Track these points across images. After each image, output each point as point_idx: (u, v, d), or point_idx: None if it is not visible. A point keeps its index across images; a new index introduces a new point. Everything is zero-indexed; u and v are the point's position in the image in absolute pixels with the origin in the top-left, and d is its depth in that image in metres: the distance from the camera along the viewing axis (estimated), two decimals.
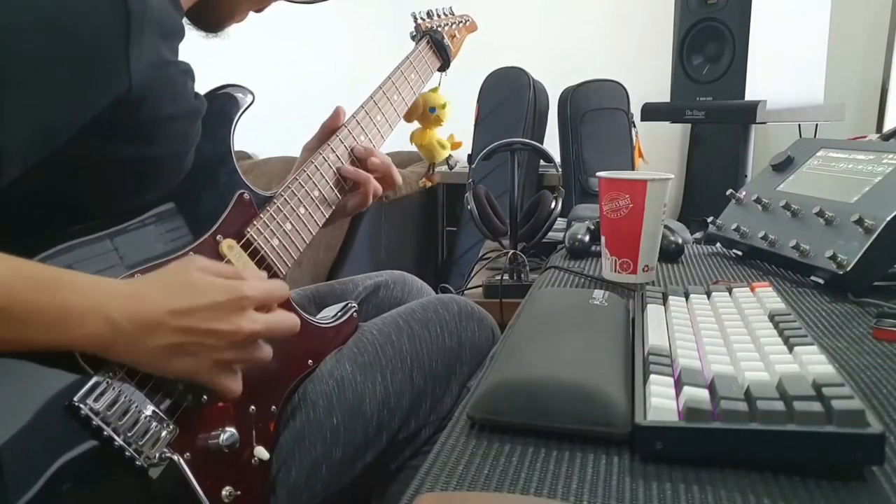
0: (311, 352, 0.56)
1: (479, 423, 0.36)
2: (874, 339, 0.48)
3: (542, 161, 1.69)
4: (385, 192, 0.66)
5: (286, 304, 0.52)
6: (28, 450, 0.37)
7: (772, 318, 0.44)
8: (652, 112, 1.38)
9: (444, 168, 0.81)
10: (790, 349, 0.38)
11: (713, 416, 0.31)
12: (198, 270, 0.43)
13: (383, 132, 0.68)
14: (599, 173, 0.65)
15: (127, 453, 0.41)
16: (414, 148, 0.83)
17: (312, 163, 0.60)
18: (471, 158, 1.67)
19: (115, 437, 0.40)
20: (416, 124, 0.81)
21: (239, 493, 0.46)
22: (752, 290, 0.52)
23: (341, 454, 0.53)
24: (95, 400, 0.40)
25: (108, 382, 0.41)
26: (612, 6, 1.91)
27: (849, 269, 0.57)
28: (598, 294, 0.51)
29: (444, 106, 0.77)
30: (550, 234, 1.04)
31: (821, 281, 0.61)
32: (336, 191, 0.62)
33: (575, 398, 0.34)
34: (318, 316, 0.60)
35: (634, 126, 1.68)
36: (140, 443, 0.41)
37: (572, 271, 0.73)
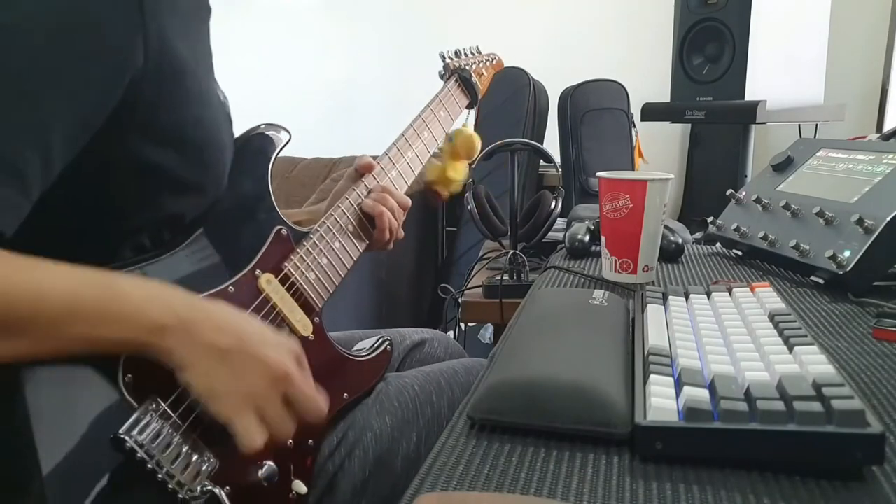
0: (347, 385, 0.57)
1: (479, 423, 0.36)
2: (874, 339, 0.48)
3: (542, 161, 1.69)
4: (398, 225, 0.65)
5: (322, 342, 0.55)
6: (72, 480, 0.38)
7: (772, 318, 0.44)
8: (652, 112, 1.38)
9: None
10: (790, 349, 0.38)
11: (713, 416, 0.31)
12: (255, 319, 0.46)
13: (414, 167, 0.70)
14: (599, 173, 0.65)
15: (169, 486, 0.41)
16: None
17: (347, 198, 0.62)
18: None
19: (158, 471, 0.40)
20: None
21: None
22: (752, 290, 0.52)
23: None
24: (140, 432, 0.40)
25: (151, 415, 0.41)
26: (613, 6, 1.91)
27: (849, 269, 0.57)
28: (598, 294, 0.51)
29: (467, 138, 0.78)
30: (550, 234, 1.04)
31: (821, 281, 0.61)
32: (368, 224, 0.63)
33: (575, 398, 0.34)
34: (354, 349, 0.61)
35: (634, 126, 1.68)
36: (182, 476, 0.41)
37: (572, 271, 0.73)
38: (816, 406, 0.30)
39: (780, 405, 0.31)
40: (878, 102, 1.61)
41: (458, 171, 0.78)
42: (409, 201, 0.66)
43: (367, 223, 0.63)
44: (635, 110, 1.57)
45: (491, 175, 1.56)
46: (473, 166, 0.79)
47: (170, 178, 0.46)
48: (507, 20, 1.98)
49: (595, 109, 1.67)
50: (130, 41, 0.40)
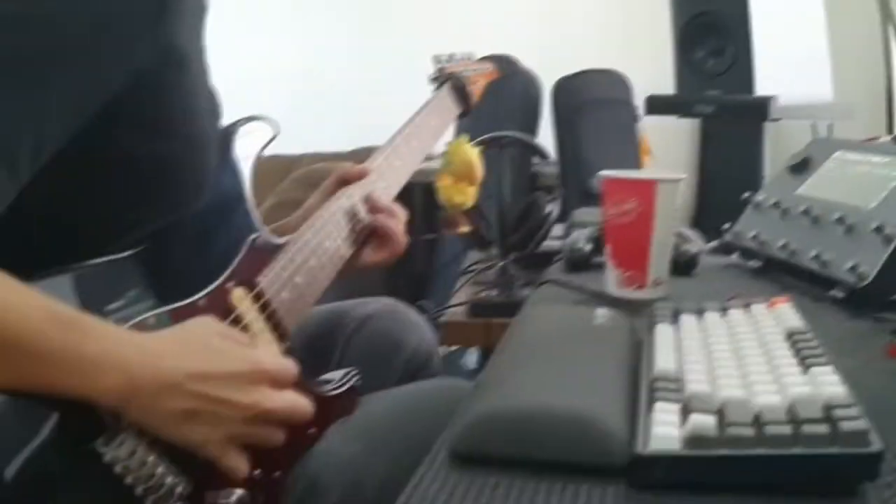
0: (315, 420, 0.58)
1: (462, 455, 0.37)
2: (890, 356, 0.51)
3: (534, 158, 1.71)
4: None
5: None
6: (39, 492, 0.40)
7: (789, 336, 0.47)
8: (657, 105, 1.43)
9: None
10: (805, 370, 0.41)
11: (718, 443, 0.33)
12: (216, 335, 0.48)
13: (402, 178, 0.72)
14: (602, 173, 0.67)
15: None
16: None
17: (328, 208, 0.63)
18: None
19: (136, 487, 0.43)
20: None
21: None
22: (771, 305, 0.54)
23: None
24: (117, 447, 0.42)
25: (128, 430, 0.43)
26: None
27: (868, 281, 0.60)
28: (601, 313, 0.53)
29: (465, 163, 0.80)
30: (546, 242, 1.06)
31: (840, 295, 0.63)
32: (348, 242, 0.64)
33: (570, 431, 0.36)
34: (320, 379, 0.63)
35: (639, 120, 1.72)
36: (157, 495, 0.44)
37: (571, 286, 0.74)
38: (822, 428, 0.33)
39: (786, 429, 0.33)
40: (884, 101, 1.70)
41: (466, 195, 0.80)
42: (405, 213, 0.69)
43: (348, 240, 0.64)
44: (638, 103, 1.61)
45: None
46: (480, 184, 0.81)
47: (160, 171, 0.49)
48: (493, 3, 2.01)
49: (594, 101, 1.70)
50: (140, 38, 0.44)
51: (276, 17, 2.15)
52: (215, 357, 0.46)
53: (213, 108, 0.55)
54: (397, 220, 0.68)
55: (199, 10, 0.52)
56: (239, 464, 0.48)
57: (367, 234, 0.66)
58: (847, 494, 0.33)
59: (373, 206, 0.67)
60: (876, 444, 0.32)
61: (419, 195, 1.93)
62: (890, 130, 1.60)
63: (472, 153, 0.79)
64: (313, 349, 0.77)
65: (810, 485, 0.33)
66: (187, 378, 0.44)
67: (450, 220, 0.87)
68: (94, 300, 0.46)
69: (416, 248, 1.91)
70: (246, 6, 2.13)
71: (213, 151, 0.53)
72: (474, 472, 0.36)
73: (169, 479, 0.45)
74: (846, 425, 0.32)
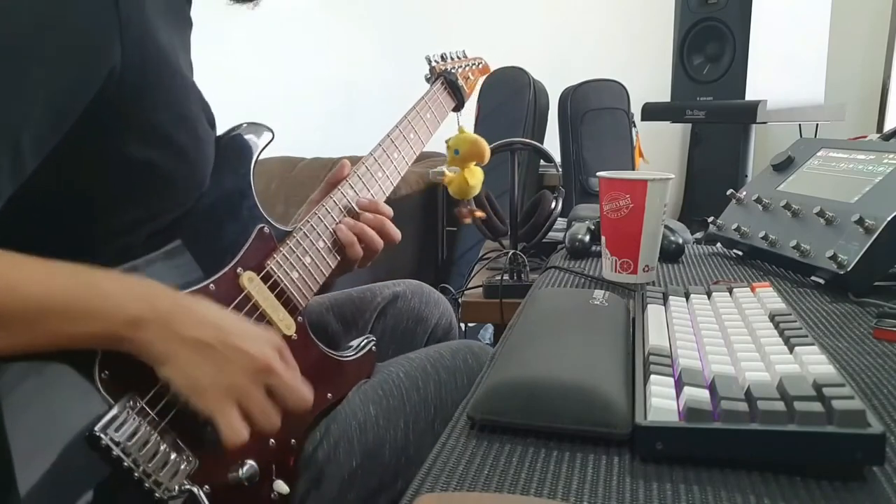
0: (331, 385, 0.56)
1: (480, 423, 0.36)
2: (875, 339, 0.48)
3: (542, 161, 1.69)
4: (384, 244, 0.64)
5: (306, 341, 0.54)
6: (46, 480, 0.37)
7: (772, 318, 0.44)
8: (652, 112, 1.38)
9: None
10: (790, 349, 0.38)
11: (713, 417, 0.31)
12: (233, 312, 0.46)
13: (400, 168, 0.70)
14: (600, 173, 0.65)
15: (146, 485, 0.40)
16: None
17: (332, 198, 0.61)
18: None
19: (135, 469, 0.40)
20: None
21: None
22: (753, 290, 0.52)
23: (355, 497, 0.53)
24: (116, 430, 0.39)
25: (128, 412, 0.40)
26: (613, 6, 1.91)
27: (849, 269, 0.57)
28: (599, 294, 0.51)
29: (471, 142, 0.75)
30: (551, 234, 1.04)
31: (821, 281, 0.61)
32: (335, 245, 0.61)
33: (575, 398, 0.34)
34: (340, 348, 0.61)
35: (635, 126, 1.68)
36: (160, 474, 0.41)
37: (572, 271, 0.73)
38: (817, 406, 0.30)
39: (780, 405, 0.31)
40: (878, 102, 1.61)
41: (476, 176, 0.77)
42: (390, 211, 0.64)
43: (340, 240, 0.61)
44: (635, 110, 1.57)
45: (491, 175, 1.56)
46: (485, 165, 0.77)
47: (154, 176, 0.46)
48: (508, 20, 1.98)
49: (595, 109, 1.67)
50: (105, 39, 0.39)
51: (318, 37, 2.15)
52: (237, 318, 0.44)
53: (209, 118, 0.51)
54: (380, 221, 0.62)
55: (179, 21, 0.48)
56: (235, 422, 0.41)
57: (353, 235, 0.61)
58: (854, 478, 0.30)
59: (350, 224, 0.60)
60: (876, 427, 0.29)
61: (443, 193, 1.93)
62: (879, 130, 1.52)
63: (473, 135, 0.74)
64: (345, 322, 0.75)
65: (809, 463, 0.30)
66: (216, 313, 0.41)
67: (464, 211, 0.83)
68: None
69: (440, 240, 1.92)
70: (293, 30, 2.13)
71: (209, 157, 0.50)
72: (491, 440, 0.35)
73: (173, 457, 0.41)
74: (840, 404, 0.30)
